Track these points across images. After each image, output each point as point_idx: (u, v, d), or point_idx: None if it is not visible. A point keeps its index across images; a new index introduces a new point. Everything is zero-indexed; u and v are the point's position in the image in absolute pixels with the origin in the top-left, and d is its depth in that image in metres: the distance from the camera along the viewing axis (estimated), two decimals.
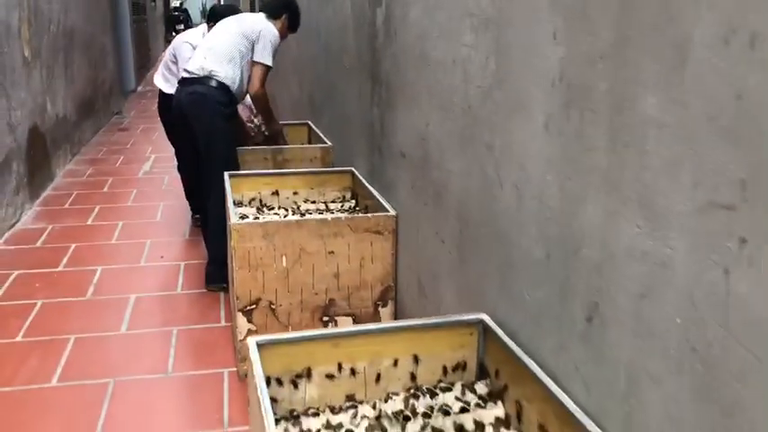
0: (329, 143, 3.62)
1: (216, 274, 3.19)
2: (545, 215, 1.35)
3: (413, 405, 1.50)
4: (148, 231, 4.12)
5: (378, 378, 1.56)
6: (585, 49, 1.18)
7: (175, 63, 3.92)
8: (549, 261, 1.34)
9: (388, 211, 2.47)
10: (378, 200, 2.58)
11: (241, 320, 2.41)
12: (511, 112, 1.48)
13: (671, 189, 0.97)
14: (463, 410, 1.49)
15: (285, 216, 2.77)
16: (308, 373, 1.52)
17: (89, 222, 4.28)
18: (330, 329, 2.29)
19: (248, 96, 3.42)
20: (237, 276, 2.38)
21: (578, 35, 1.20)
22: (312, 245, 2.40)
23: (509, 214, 1.51)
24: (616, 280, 1.12)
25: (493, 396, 1.54)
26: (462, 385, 1.57)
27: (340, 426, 1.45)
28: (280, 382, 1.50)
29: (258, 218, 2.75)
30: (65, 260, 3.63)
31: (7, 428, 2.20)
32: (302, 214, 2.80)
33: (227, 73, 3.15)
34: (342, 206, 2.96)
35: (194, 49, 3.56)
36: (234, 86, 3.18)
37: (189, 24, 16.67)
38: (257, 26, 3.23)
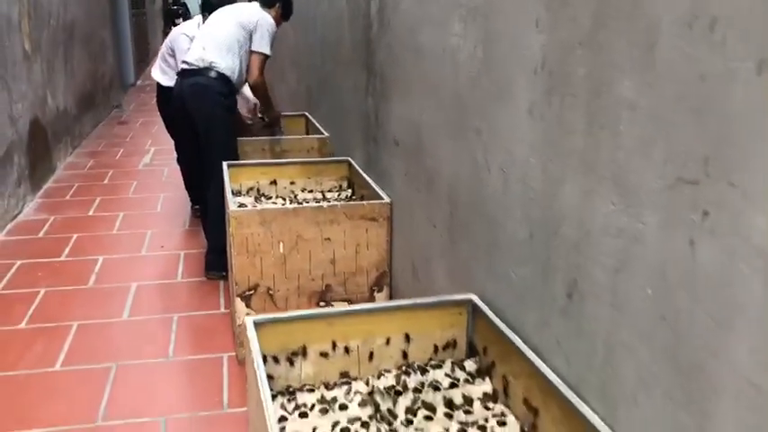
0: (326, 134, 3.67)
1: (215, 263, 3.25)
2: (529, 196, 1.40)
3: (404, 381, 1.55)
4: (149, 222, 4.18)
5: (371, 356, 1.62)
6: (565, 35, 1.23)
7: (172, 56, 3.93)
8: (533, 241, 1.40)
9: (383, 198, 2.52)
10: (373, 189, 2.63)
11: (240, 305, 2.46)
12: (497, 99, 1.53)
13: (643, 167, 1.02)
14: (452, 386, 1.54)
15: (282, 205, 2.82)
16: (303, 352, 1.57)
17: (90, 213, 4.34)
18: (325, 309, 2.34)
19: (247, 88, 3.47)
20: (236, 262, 2.43)
21: (559, 22, 1.25)
22: (309, 232, 2.46)
23: (496, 197, 1.56)
24: (593, 256, 1.17)
25: (481, 373, 1.59)
26: (452, 363, 1.62)
27: (334, 400, 1.50)
28: (276, 359, 1.56)
29: (256, 206, 2.80)
30: (67, 250, 3.69)
31: (14, 410, 2.26)
32: (299, 203, 2.85)
33: (227, 63, 3.20)
34: (338, 195, 3.01)
35: (191, 40, 3.59)
36: (233, 77, 3.24)
37: (188, 18, 16.65)
38: (254, 16, 3.29)
